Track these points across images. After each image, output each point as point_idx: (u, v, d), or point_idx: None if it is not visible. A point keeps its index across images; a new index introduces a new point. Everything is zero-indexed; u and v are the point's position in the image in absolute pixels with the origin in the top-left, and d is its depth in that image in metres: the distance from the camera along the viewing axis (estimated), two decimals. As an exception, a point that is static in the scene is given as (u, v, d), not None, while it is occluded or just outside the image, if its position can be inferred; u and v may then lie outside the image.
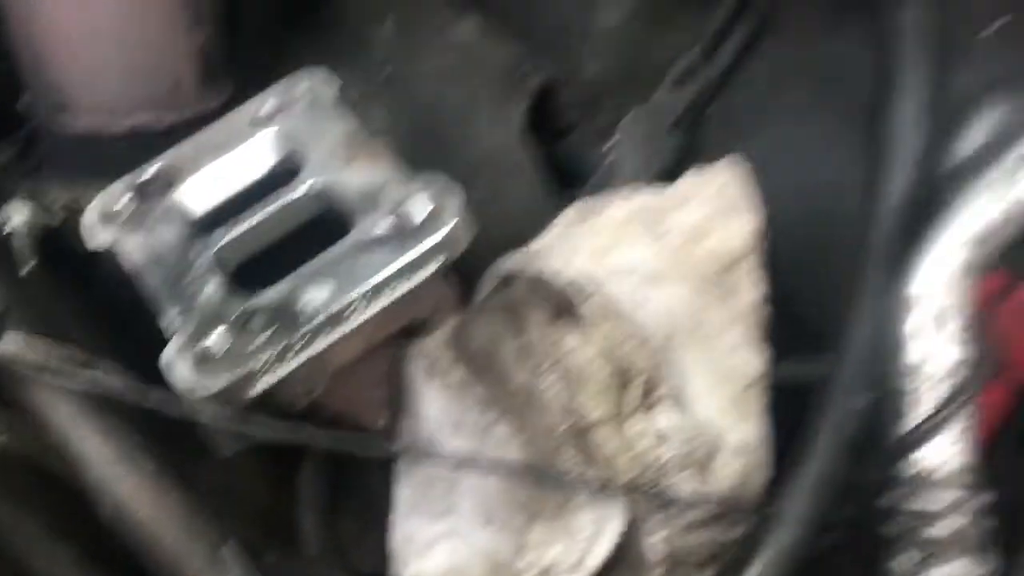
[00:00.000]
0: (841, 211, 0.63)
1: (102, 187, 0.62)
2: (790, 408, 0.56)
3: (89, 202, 0.61)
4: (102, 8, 0.64)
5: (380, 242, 0.56)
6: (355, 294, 0.54)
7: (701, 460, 0.57)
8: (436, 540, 0.64)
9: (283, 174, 0.62)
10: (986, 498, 0.42)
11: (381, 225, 0.57)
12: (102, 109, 0.66)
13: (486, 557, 0.63)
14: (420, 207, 0.57)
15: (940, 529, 0.41)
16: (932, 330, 0.42)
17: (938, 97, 0.54)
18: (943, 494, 0.42)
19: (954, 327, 0.42)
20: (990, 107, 0.59)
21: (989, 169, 0.44)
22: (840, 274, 0.62)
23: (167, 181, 0.62)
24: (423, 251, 0.56)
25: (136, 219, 0.60)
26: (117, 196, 0.61)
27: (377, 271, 0.55)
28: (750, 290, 0.65)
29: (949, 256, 0.42)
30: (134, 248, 0.59)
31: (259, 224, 0.59)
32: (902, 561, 0.42)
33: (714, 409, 0.60)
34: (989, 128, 0.59)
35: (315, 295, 0.55)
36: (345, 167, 0.60)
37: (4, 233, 0.61)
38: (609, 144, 0.70)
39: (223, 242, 0.58)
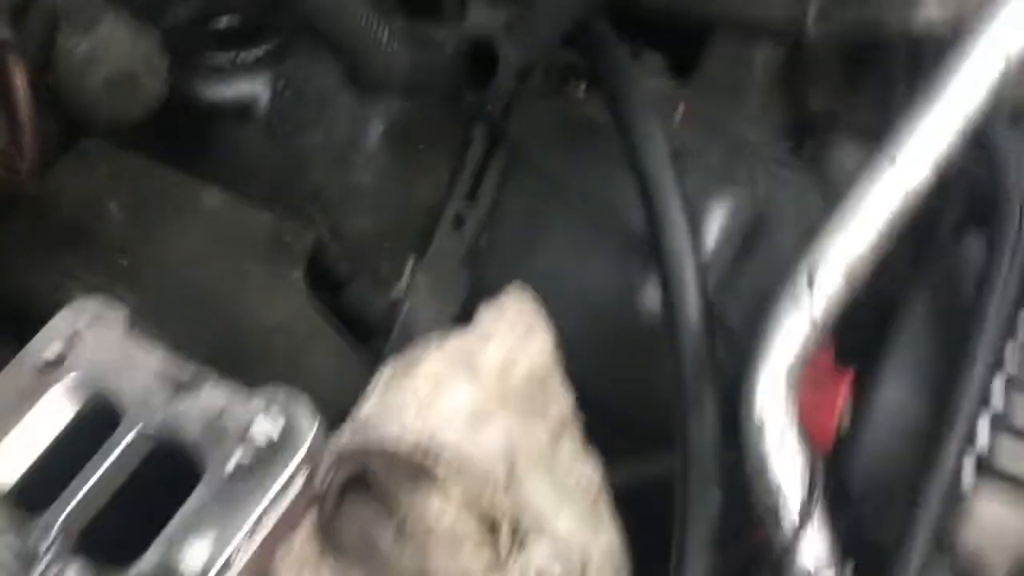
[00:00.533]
0: (618, 311, 0.72)
1: None
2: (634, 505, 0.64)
3: None
4: None
5: (241, 474, 0.55)
6: (236, 538, 0.53)
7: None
8: None
9: (97, 422, 0.58)
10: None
11: (235, 456, 0.56)
12: None
13: None
14: (270, 425, 0.57)
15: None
16: (778, 445, 0.51)
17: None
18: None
19: (792, 438, 0.51)
20: (712, 207, 0.71)
21: (772, 296, 0.54)
22: (634, 369, 0.71)
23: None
24: (290, 472, 0.56)
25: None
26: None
27: (250, 506, 0.54)
28: (563, 404, 0.72)
29: (775, 378, 0.52)
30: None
31: (96, 487, 0.55)
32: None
33: (573, 526, 0.66)
34: (719, 227, 0.70)
35: (195, 552, 0.53)
36: (170, 401, 0.58)
37: None
38: (399, 294, 0.73)
39: (62, 519, 0.54)
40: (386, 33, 0.57)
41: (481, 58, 0.63)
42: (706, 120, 0.80)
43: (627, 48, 0.79)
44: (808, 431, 0.57)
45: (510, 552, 0.62)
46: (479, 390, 0.69)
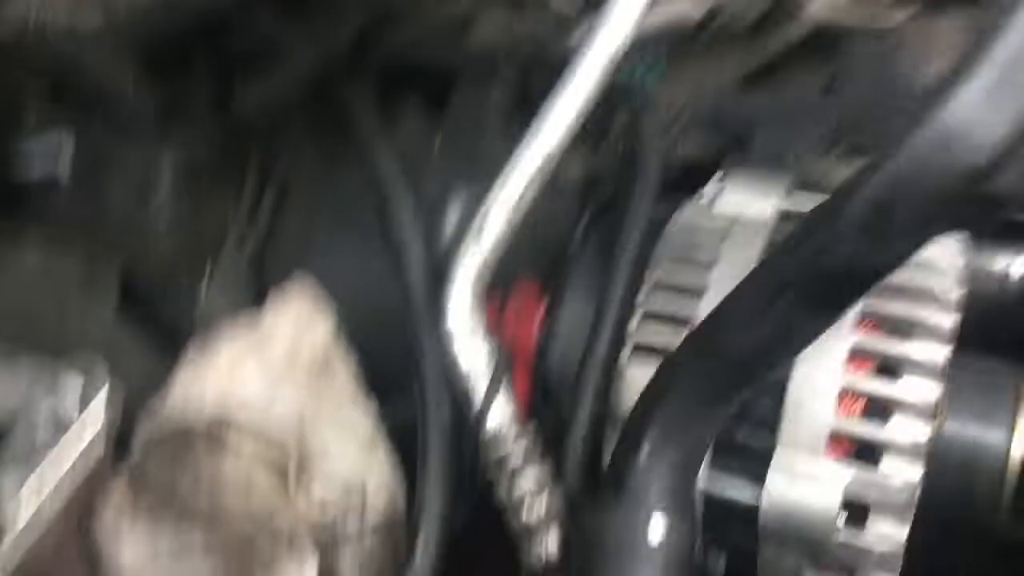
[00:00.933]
0: (379, 295, 0.86)
1: None
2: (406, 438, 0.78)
3: None
4: None
5: (48, 439, 0.67)
6: (44, 494, 0.64)
7: (356, 504, 0.76)
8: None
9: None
10: (531, 434, 0.67)
11: (40, 425, 0.67)
12: None
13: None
14: (71, 396, 0.68)
15: (514, 462, 0.65)
16: (464, 348, 0.67)
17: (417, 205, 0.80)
18: (509, 443, 0.66)
19: (475, 340, 0.67)
20: (451, 203, 0.87)
21: (458, 247, 0.71)
22: (397, 338, 0.85)
23: None
24: (90, 436, 0.67)
25: None
26: None
27: (55, 466, 0.65)
28: (345, 370, 0.85)
29: (459, 299, 0.67)
30: None
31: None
32: (502, 487, 0.65)
33: (352, 464, 0.79)
34: (457, 217, 0.86)
35: (9, 505, 0.64)
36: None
37: None
38: (199, 302, 0.87)
39: None
40: (131, 82, 0.71)
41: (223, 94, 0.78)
42: (456, 147, 0.97)
43: (385, 94, 0.96)
44: (516, 342, 0.73)
45: (298, 491, 0.74)
46: (269, 371, 0.82)
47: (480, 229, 0.68)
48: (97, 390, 0.68)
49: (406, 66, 0.98)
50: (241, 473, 0.74)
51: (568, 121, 0.70)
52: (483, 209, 0.70)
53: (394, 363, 0.82)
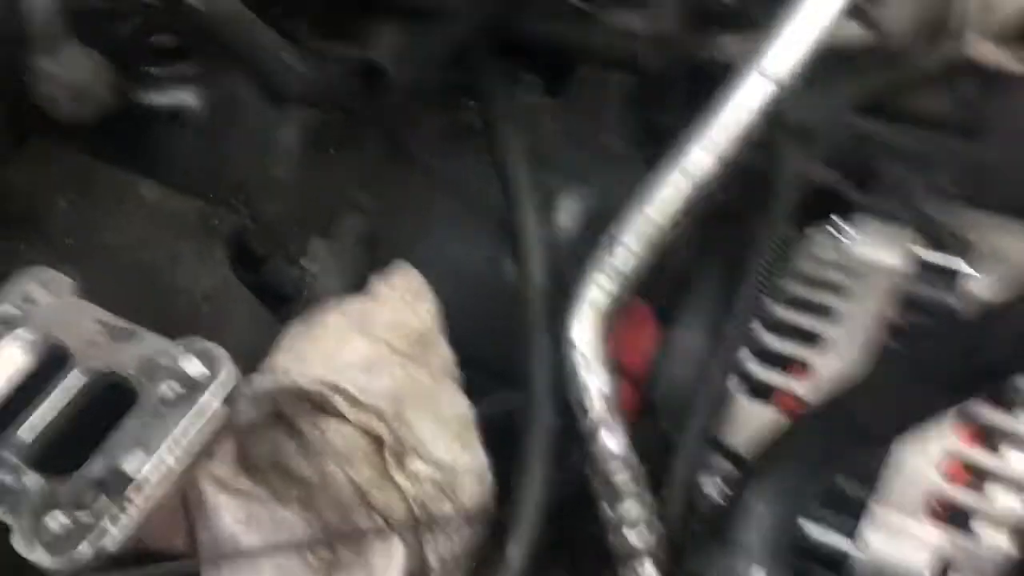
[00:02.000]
0: (488, 282, 0.87)
1: None
2: (498, 432, 0.79)
3: None
4: None
5: (169, 403, 0.69)
6: (164, 451, 0.67)
7: (447, 488, 0.78)
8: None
9: (51, 365, 0.72)
10: (635, 459, 0.69)
11: (165, 389, 0.70)
12: None
13: (298, 626, 0.79)
14: (193, 365, 0.71)
15: (617, 482, 0.67)
16: (585, 365, 0.68)
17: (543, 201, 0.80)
18: (612, 463, 0.67)
19: (596, 360, 0.68)
20: (567, 198, 0.87)
21: (588, 258, 0.71)
22: (500, 328, 0.86)
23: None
24: (207, 401, 0.70)
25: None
26: None
27: (176, 427, 0.68)
28: (443, 356, 0.87)
29: (585, 317, 0.68)
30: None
31: (51, 417, 0.69)
32: (601, 508, 0.67)
33: (445, 448, 0.81)
34: (571, 214, 0.86)
35: (131, 460, 0.67)
36: (111, 347, 0.72)
37: None
38: (307, 268, 0.88)
39: (23, 439, 0.67)
40: (287, 54, 0.71)
41: (375, 75, 0.78)
42: (573, 132, 0.96)
43: (508, 70, 0.95)
44: (628, 361, 0.74)
45: (394, 467, 0.77)
46: (372, 344, 0.84)
47: (620, 244, 0.67)
48: (220, 365, 0.70)
49: (528, 40, 0.96)
50: (345, 439, 0.77)
51: (730, 140, 0.67)
52: (627, 222, 0.68)
53: (495, 354, 0.83)
